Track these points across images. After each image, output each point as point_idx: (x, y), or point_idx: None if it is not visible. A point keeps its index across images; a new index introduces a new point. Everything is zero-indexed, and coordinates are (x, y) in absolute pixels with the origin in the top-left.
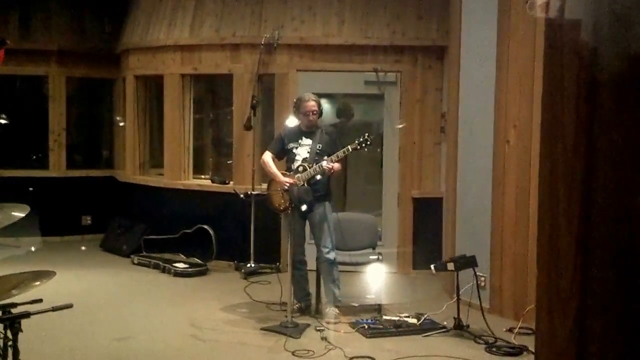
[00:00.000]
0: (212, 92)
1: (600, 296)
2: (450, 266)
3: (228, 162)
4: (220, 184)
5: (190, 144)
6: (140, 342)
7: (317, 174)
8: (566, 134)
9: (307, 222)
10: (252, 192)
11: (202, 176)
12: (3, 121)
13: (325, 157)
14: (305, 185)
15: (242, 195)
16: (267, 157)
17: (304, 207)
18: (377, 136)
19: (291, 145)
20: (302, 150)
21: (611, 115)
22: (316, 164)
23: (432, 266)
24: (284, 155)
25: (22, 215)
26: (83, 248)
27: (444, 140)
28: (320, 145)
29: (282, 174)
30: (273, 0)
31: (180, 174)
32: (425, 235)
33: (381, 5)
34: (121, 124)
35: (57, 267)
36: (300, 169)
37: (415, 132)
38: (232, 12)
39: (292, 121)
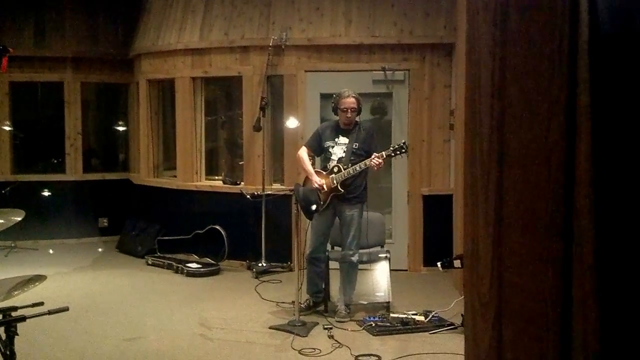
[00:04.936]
0: (224, 94)
1: (512, 302)
2: (457, 263)
3: (240, 162)
4: (231, 184)
5: (202, 146)
6: (149, 342)
7: (352, 176)
8: (483, 133)
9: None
10: (260, 193)
11: (216, 177)
12: (7, 128)
13: (362, 156)
14: (339, 186)
15: (248, 196)
16: (303, 153)
17: (314, 207)
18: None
19: (327, 143)
20: (338, 149)
21: (519, 110)
22: (352, 164)
23: (438, 263)
24: (320, 152)
25: (20, 219)
26: (100, 250)
27: (453, 137)
28: (357, 144)
29: (316, 172)
30: (281, 2)
31: (193, 176)
32: (436, 233)
33: (388, 4)
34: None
35: (74, 269)
36: (335, 169)
37: (424, 130)
38: (240, 14)
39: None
